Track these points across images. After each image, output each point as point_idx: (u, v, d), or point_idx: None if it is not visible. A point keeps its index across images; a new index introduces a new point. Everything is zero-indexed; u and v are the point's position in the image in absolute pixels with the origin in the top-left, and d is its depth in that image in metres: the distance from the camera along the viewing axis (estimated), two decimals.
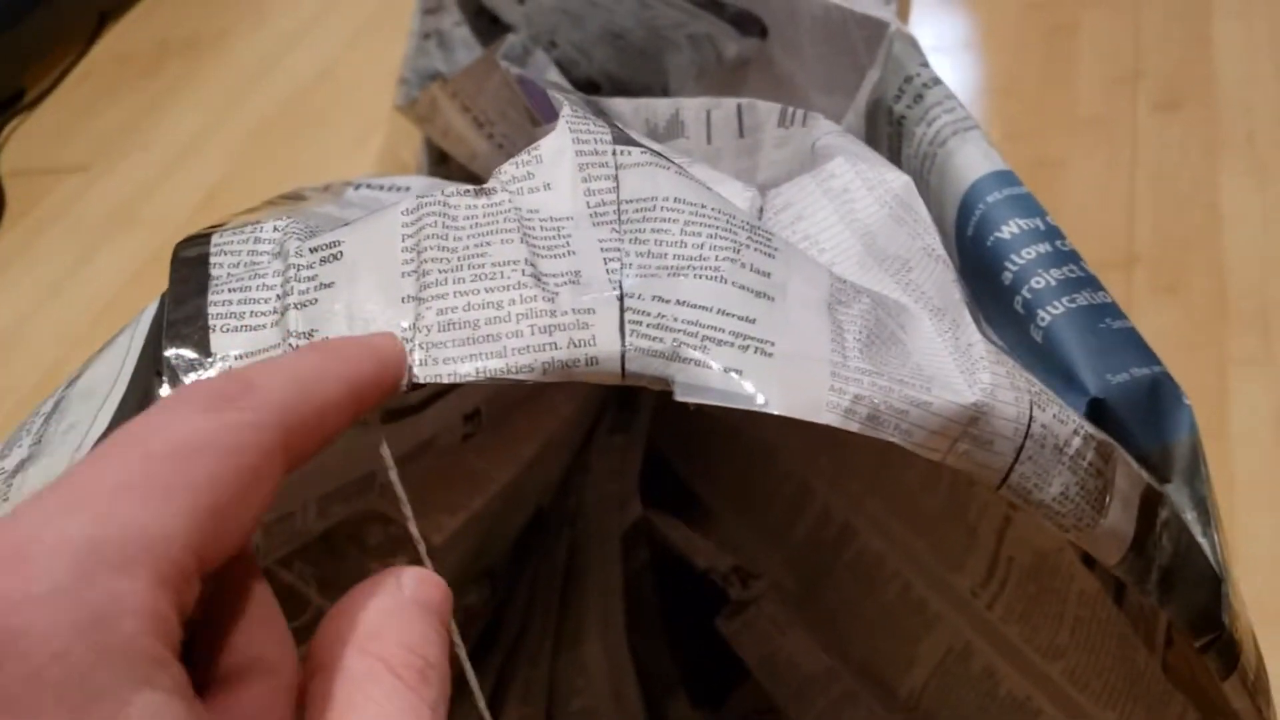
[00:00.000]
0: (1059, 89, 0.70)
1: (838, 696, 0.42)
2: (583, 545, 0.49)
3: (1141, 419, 0.26)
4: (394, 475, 0.21)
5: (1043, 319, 0.28)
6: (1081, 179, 0.64)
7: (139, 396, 0.22)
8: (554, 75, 0.47)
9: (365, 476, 0.38)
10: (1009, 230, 0.29)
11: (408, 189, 0.38)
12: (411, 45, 0.70)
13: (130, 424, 0.16)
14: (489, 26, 0.67)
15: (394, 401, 0.40)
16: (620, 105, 0.43)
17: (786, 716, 0.44)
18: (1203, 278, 0.57)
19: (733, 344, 0.21)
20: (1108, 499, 0.22)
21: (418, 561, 0.42)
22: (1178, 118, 0.66)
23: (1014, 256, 0.29)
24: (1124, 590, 0.33)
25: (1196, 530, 0.25)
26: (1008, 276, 0.29)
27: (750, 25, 0.51)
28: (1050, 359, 0.27)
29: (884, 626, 0.42)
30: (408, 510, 0.22)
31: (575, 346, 0.20)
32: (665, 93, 0.60)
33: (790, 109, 0.36)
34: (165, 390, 0.22)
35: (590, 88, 0.62)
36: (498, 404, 0.44)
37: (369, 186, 0.39)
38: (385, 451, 0.21)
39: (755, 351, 0.21)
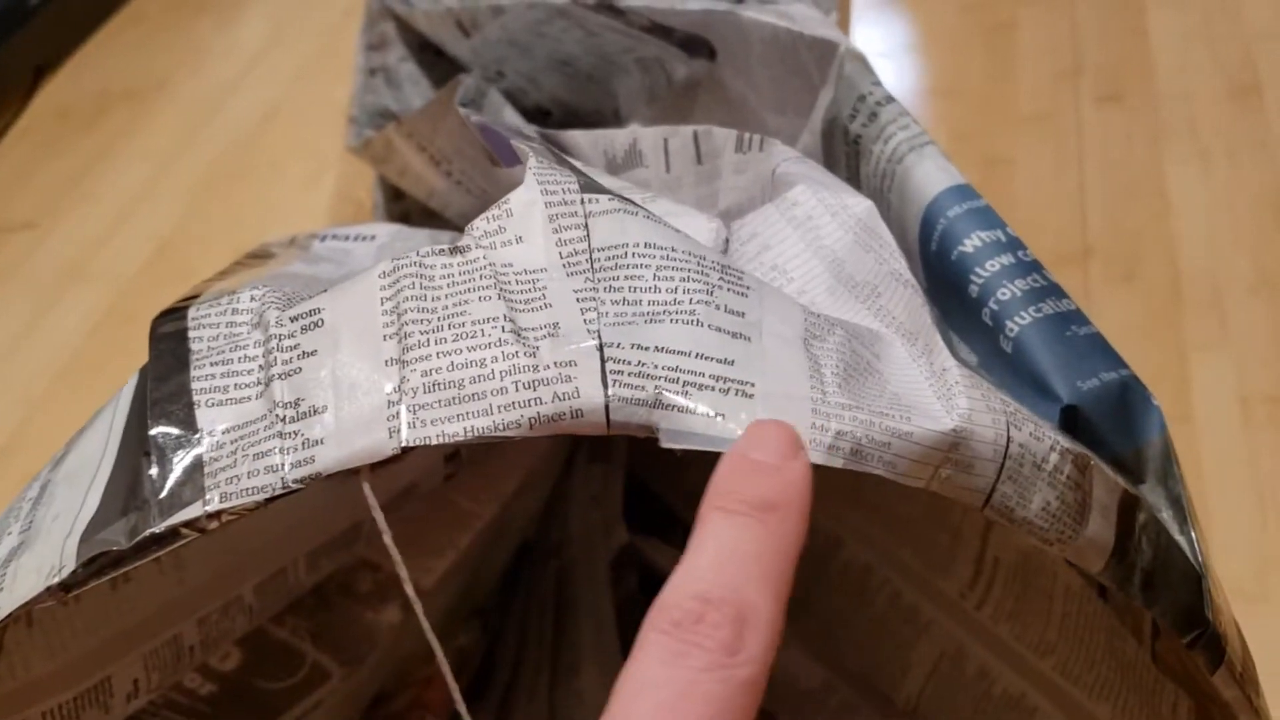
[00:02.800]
0: (1002, 87, 0.71)
1: (836, 708, 0.43)
2: (571, 575, 0.49)
3: (1113, 423, 0.27)
4: (379, 517, 0.21)
5: (1011, 329, 0.28)
6: (1031, 175, 0.65)
7: (128, 478, 0.22)
8: (510, 114, 0.47)
9: (351, 528, 0.38)
10: (972, 244, 0.30)
11: (373, 238, 0.38)
12: (358, 83, 0.70)
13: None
14: (434, 60, 0.67)
15: None
16: (578, 138, 0.44)
17: None
18: (1157, 265, 0.59)
19: (713, 388, 0.21)
20: (1087, 510, 0.23)
21: (409, 607, 0.42)
22: (1120, 109, 0.67)
23: (979, 269, 0.30)
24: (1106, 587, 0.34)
25: (1174, 529, 0.25)
26: (974, 289, 0.30)
27: (698, 48, 0.52)
28: (1021, 369, 0.28)
29: (877, 635, 0.43)
30: (396, 554, 0.22)
31: (560, 400, 0.21)
32: (616, 116, 0.60)
33: (747, 135, 0.37)
34: (154, 472, 0.22)
35: (540, 114, 0.62)
36: (477, 443, 0.44)
37: (334, 237, 0.39)
38: (371, 498, 0.21)
39: (736, 394, 0.21)
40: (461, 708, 0.32)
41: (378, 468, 0.40)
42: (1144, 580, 0.24)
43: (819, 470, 0.49)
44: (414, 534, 0.42)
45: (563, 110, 0.63)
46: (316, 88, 0.99)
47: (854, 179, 0.36)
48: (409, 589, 0.22)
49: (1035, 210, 0.62)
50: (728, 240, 0.31)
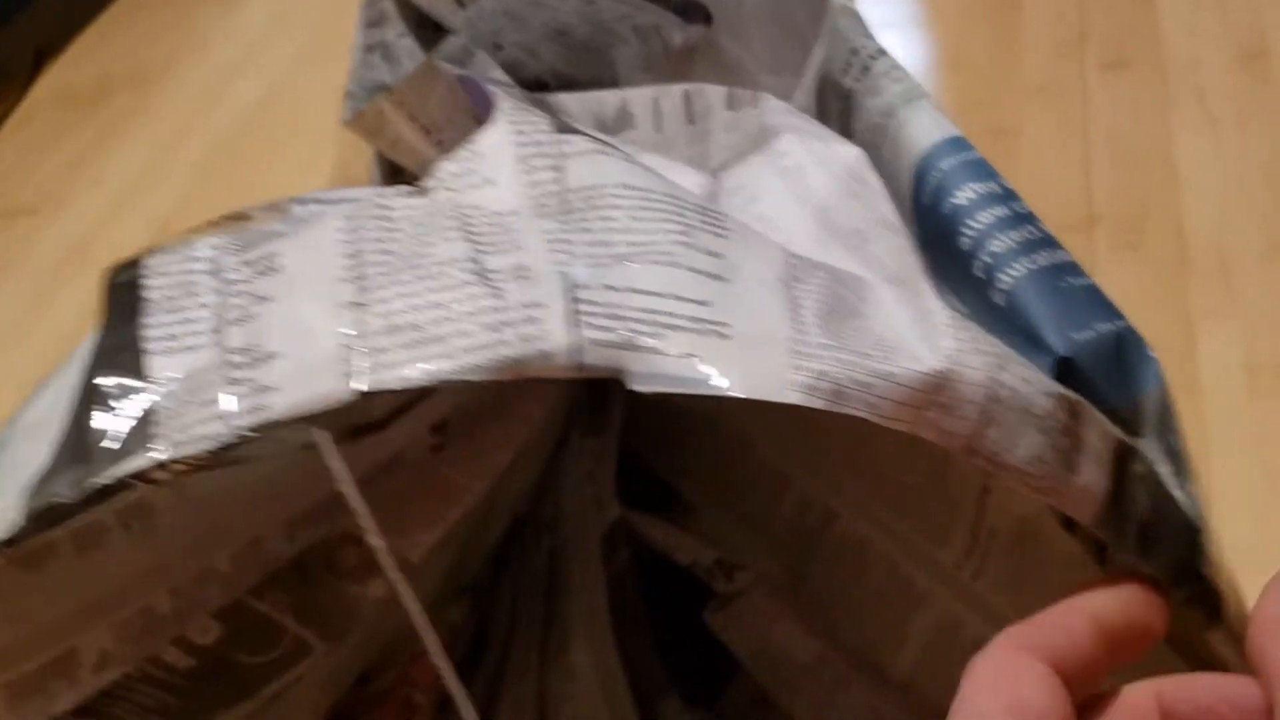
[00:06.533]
0: (1008, 57, 0.70)
1: (830, 682, 0.42)
2: (563, 551, 0.48)
3: (1110, 375, 0.26)
4: (347, 484, 0.20)
5: (1004, 282, 0.27)
6: (1037, 144, 0.64)
7: (78, 430, 0.21)
8: (497, 75, 0.46)
9: (332, 497, 0.37)
10: (965, 195, 0.29)
11: (356, 200, 0.37)
12: (356, 59, 0.69)
13: None
14: (433, 36, 0.66)
15: (357, 418, 0.39)
16: (566, 101, 0.43)
17: (780, 708, 0.44)
18: (1162, 233, 0.57)
19: (688, 328, 0.20)
20: (1079, 457, 0.22)
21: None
22: (1126, 77, 0.66)
23: (971, 221, 0.29)
24: (1105, 550, 0.33)
25: (1172, 483, 0.24)
26: (966, 241, 0.28)
27: (695, 13, 0.51)
28: (1014, 321, 0.27)
29: (872, 608, 0.42)
30: (369, 521, 0.21)
31: (525, 342, 0.20)
32: (615, 86, 0.60)
33: (738, 91, 0.36)
34: (101, 422, 0.21)
35: (538, 87, 0.61)
36: (465, 413, 0.43)
37: (317, 201, 0.38)
38: (335, 460, 0.20)
39: (711, 334, 0.20)
40: (452, 683, 0.31)
41: (361, 435, 0.39)
42: (1139, 533, 0.23)
43: (817, 436, 0.48)
44: (401, 507, 0.41)
45: (561, 83, 0.62)
46: (317, 69, 0.98)
47: (846, 134, 0.35)
48: (384, 557, 0.21)
49: (1040, 180, 0.61)
50: (715, 194, 0.30)
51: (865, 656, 0.42)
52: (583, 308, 0.20)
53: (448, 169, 0.23)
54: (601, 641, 0.44)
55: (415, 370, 0.20)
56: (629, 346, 0.20)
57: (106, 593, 0.30)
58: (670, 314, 0.20)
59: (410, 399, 0.40)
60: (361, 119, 0.59)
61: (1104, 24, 0.70)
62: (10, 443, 0.23)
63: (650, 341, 0.20)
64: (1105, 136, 0.63)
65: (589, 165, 0.23)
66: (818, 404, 0.20)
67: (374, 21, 0.71)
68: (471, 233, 0.22)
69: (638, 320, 0.20)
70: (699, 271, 0.21)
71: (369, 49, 0.72)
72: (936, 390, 0.20)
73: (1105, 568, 0.34)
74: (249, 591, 0.36)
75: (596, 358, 0.20)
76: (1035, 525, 0.36)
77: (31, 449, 0.22)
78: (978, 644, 0.40)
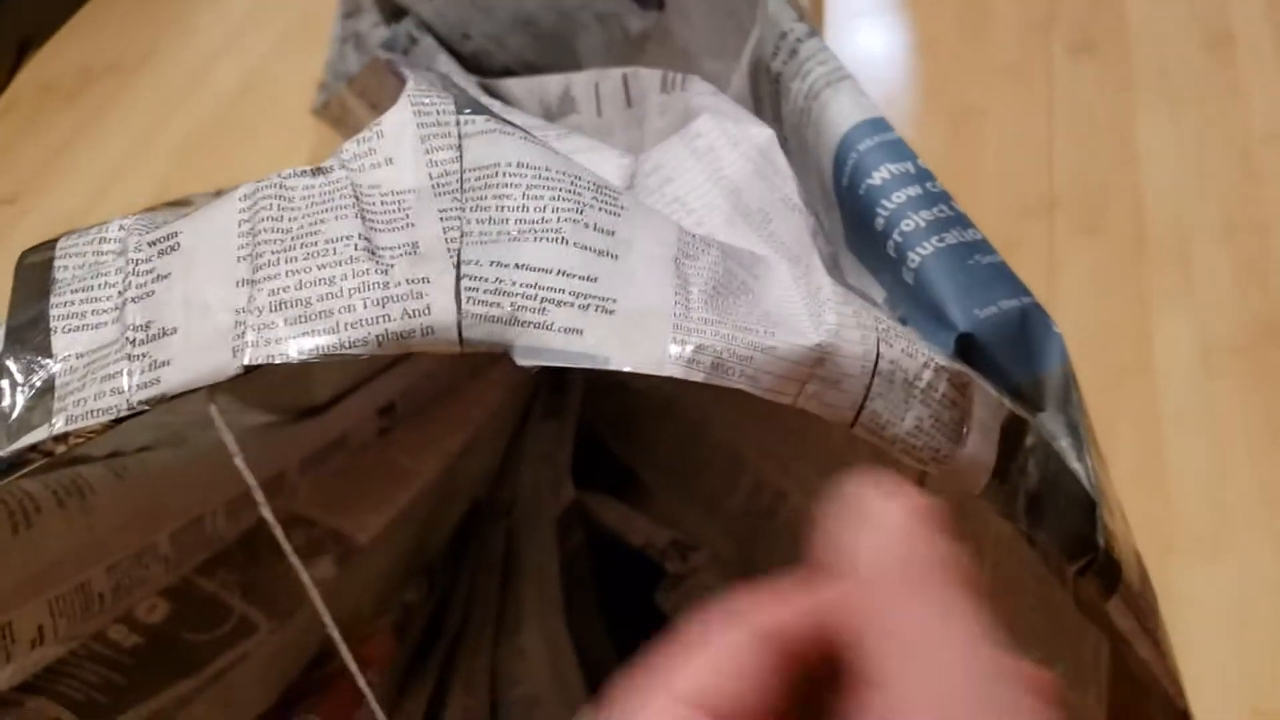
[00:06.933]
0: (976, 40, 0.70)
1: None
2: (518, 533, 0.48)
3: (1012, 351, 0.26)
4: (238, 457, 0.21)
5: (913, 260, 0.28)
6: (1001, 126, 0.64)
7: None
8: (444, 61, 0.46)
9: (274, 478, 0.38)
10: (880, 176, 0.29)
11: (257, 181, 0.37)
12: (332, 50, 0.69)
13: None
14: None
15: (300, 400, 0.39)
16: (513, 86, 0.43)
17: None
18: (1122, 216, 0.58)
19: (573, 304, 0.21)
20: (965, 429, 0.22)
21: (344, 562, 0.42)
22: (1092, 58, 0.66)
23: (885, 201, 0.29)
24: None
25: (1070, 456, 0.25)
26: (880, 222, 0.29)
27: None
28: (922, 299, 0.27)
29: None
30: (259, 495, 0.22)
31: (410, 317, 0.20)
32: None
33: (671, 75, 0.36)
34: (5, 397, 0.21)
35: (506, 75, 0.62)
36: (414, 397, 0.44)
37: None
38: (227, 434, 0.21)
39: (596, 310, 0.21)
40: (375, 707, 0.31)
41: (304, 417, 0.39)
42: (1029, 503, 0.23)
43: (770, 421, 0.48)
44: (347, 489, 0.41)
45: (529, 72, 0.63)
46: (295, 59, 0.99)
47: (776, 118, 0.35)
48: (268, 516, 0.22)
49: (1004, 161, 0.61)
50: (633, 175, 0.30)
51: None
52: (468, 284, 0.21)
53: (349, 149, 0.23)
54: (553, 623, 0.44)
55: (296, 345, 0.20)
56: (513, 322, 0.20)
57: (41, 569, 0.30)
58: (556, 289, 0.21)
59: (355, 381, 0.41)
60: (327, 108, 0.60)
61: (1072, 6, 0.70)
62: None
63: (534, 317, 0.20)
64: (1069, 118, 0.63)
65: (487, 144, 0.23)
66: (698, 377, 0.20)
67: (350, 12, 0.71)
68: (366, 211, 0.22)
69: (523, 296, 0.21)
70: (589, 249, 0.21)
71: (344, 40, 0.72)
72: (817, 364, 0.21)
73: (1035, 546, 0.34)
74: (196, 570, 0.37)
75: (480, 333, 0.20)
76: (971, 505, 0.36)
77: None
78: None
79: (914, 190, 0.29)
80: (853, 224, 0.30)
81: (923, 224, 0.28)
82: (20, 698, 0.32)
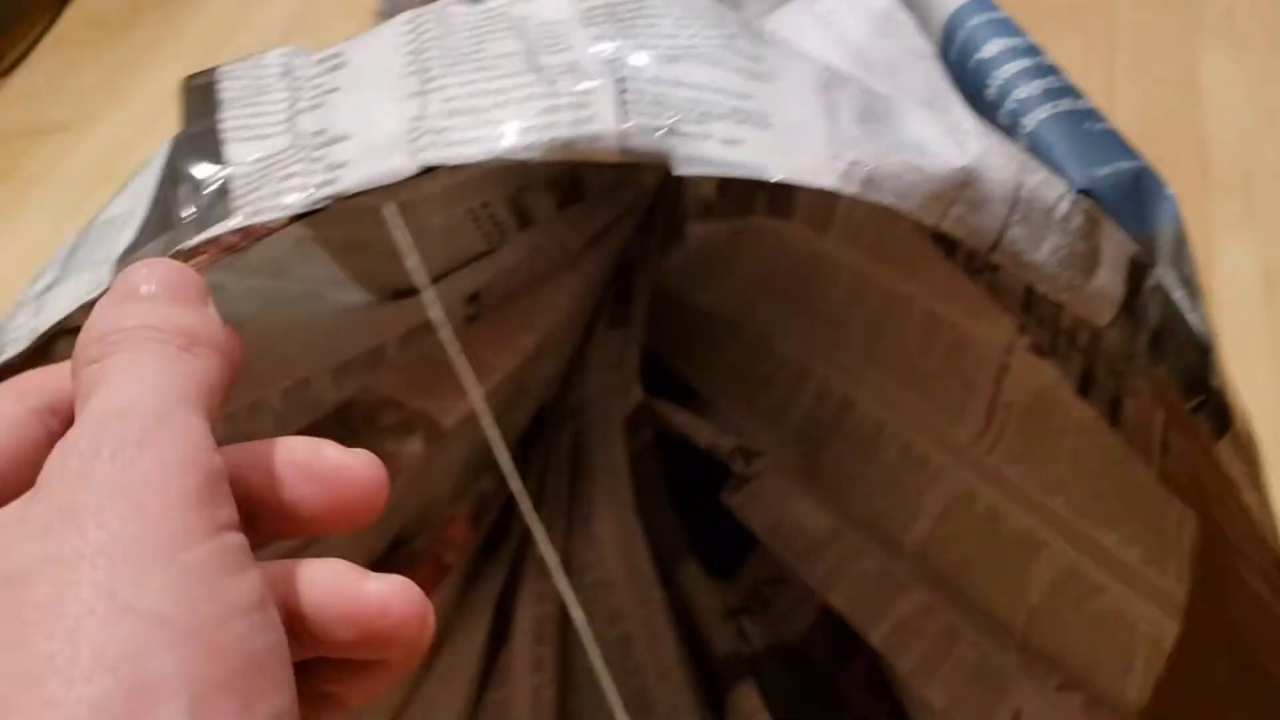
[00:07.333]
0: None
1: (843, 552, 0.43)
2: (587, 433, 0.49)
3: (1127, 209, 0.27)
4: (413, 256, 0.22)
5: (1027, 126, 0.28)
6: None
7: (160, 212, 0.23)
8: None
9: (374, 350, 0.39)
10: (990, 50, 0.30)
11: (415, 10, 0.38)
12: None
13: None
14: None
15: (394, 281, 0.40)
16: None
17: (795, 582, 0.45)
18: (1186, 152, 0.58)
19: (730, 117, 0.21)
20: (1096, 261, 0.23)
21: (432, 441, 0.43)
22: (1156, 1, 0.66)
23: (996, 73, 0.30)
24: (1119, 409, 0.34)
25: (1185, 307, 0.26)
26: (991, 93, 0.30)
27: None
28: (1037, 162, 0.28)
29: (886, 487, 0.43)
30: (422, 276, 0.23)
31: (577, 124, 0.21)
32: None
33: None
34: (184, 198, 0.22)
35: None
36: (497, 289, 0.45)
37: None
38: (403, 233, 0.22)
39: (753, 124, 0.22)
40: (531, 518, 0.32)
41: (399, 297, 0.40)
42: (1151, 339, 0.24)
43: (837, 329, 0.49)
44: (434, 375, 0.42)
45: None
46: None
47: None
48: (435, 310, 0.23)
49: None
50: None
51: (878, 529, 0.43)
52: (630, 96, 0.22)
53: None
54: (624, 512, 0.45)
55: (475, 149, 0.21)
56: (674, 132, 0.21)
57: None
58: (714, 103, 0.22)
59: (445, 269, 0.42)
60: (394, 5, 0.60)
61: None
62: (92, 233, 0.25)
63: (694, 128, 0.21)
64: (1130, 58, 0.64)
65: None
66: (852, 190, 0.21)
67: None
68: (526, 35, 0.23)
69: (683, 109, 0.22)
70: (741, 70, 0.22)
71: None
72: (963, 186, 0.22)
73: (1119, 427, 0.35)
74: (297, 434, 0.38)
75: (643, 142, 0.21)
76: (1051, 396, 0.37)
77: (111, 235, 0.24)
78: (991, 513, 0.42)
79: (1025, 62, 0.30)
80: (961, 96, 0.31)
81: (1036, 92, 0.29)
82: None
